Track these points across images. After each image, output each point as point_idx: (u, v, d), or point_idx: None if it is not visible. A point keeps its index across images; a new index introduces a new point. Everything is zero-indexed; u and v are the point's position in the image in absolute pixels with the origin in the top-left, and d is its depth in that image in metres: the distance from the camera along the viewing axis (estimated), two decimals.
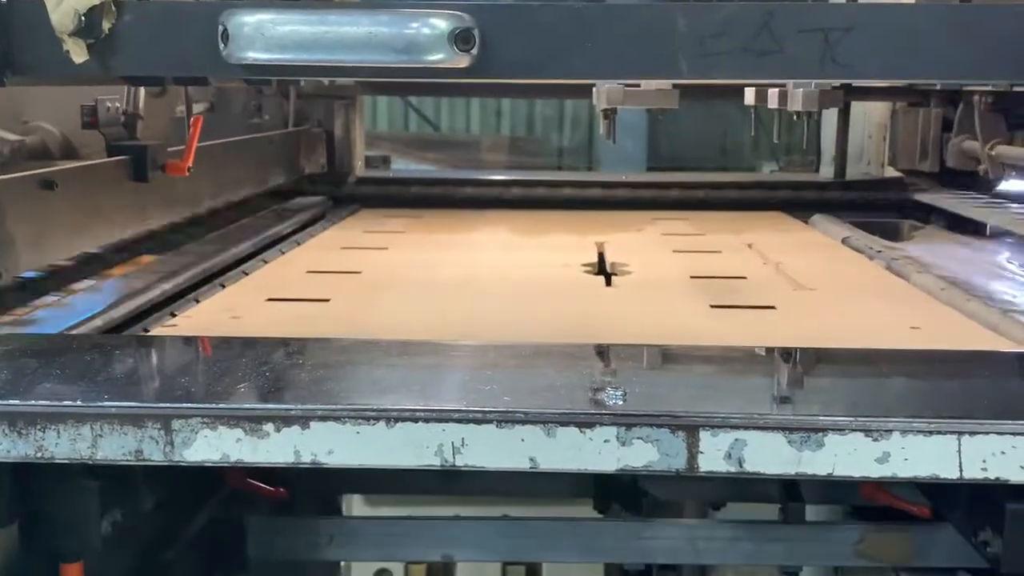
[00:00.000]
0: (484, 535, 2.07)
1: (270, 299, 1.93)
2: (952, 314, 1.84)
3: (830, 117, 3.55)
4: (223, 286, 2.05)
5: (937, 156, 3.29)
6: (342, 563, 3.69)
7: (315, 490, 2.38)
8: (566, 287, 2.11)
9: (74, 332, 1.55)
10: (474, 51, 1.28)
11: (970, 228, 3.00)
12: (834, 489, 2.07)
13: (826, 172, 3.74)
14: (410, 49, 1.26)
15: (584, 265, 2.32)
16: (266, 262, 2.34)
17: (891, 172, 3.53)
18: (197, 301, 1.90)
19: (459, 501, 3.60)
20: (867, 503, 2.00)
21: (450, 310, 1.90)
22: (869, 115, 3.71)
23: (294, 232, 2.76)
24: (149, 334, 1.65)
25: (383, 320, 1.83)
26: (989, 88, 2.81)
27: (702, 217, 3.16)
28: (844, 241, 2.70)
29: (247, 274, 2.19)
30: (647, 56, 1.33)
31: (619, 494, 2.19)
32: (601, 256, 2.44)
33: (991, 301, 1.93)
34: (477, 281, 2.18)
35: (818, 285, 2.10)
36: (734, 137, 6.46)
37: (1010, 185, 3.24)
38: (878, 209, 3.33)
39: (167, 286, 1.94)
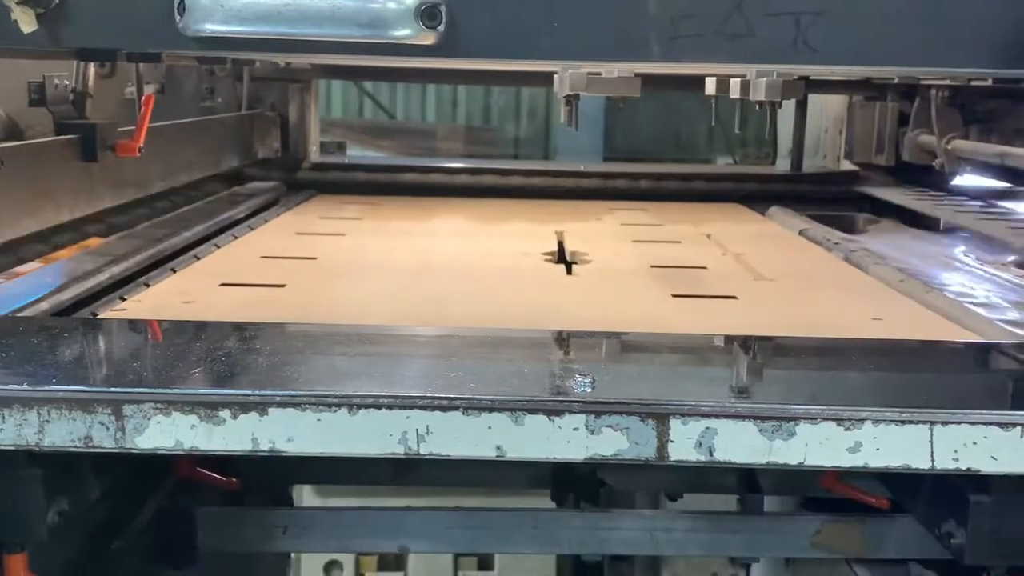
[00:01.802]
0: (439, 526, 2.04)
1: (224, 284, 1.88)
2: (912, 305, 1.84)
3: (787, 110, 3.56)
4: (174, 270, 1.99)
5: (893, 150, 3.31)
6: (292, 555, 3.64)
7: (266, 480, 2.33)
8: (526, 275, 2.09)
9: (19, 315, 1.49)
10: (440, 28, 1.24)
11: (924, 223, 3.03)
12: (792, 479, 2.06)
13: (782, 165, 3.75)
14: (375, 24, 1.21)
15: (544, 254, 2.30)
16: (218, 247, 2.28)
17: (847, 165, 3.55)
18: (147, 285, 1.85)
19: (413, 492, 3.57)
20: (824, 494, 2.00)
21: (410, 296, 1.86)
22: (826, 109, 3.73)
23: (247, 217, 2.71)
24: (98, 318, 1.60)
25: (340, 306, 1.79)
26: (946, 82, 2.83)
27: (660, 208, 3.15)
28: (801, 233, 2.70)
29: (199, 259, 2.13)
30: (617, 38, 1.30)
31: (577, 484, 2.17)
32: (561, 245, 2.41)
33: (949, 292, 1.93)
34: (437, 268, 2.14)
35: (778, 276, 2.10)
36: (690, 130, 6.46)
37: (965, 179, 3.28)
38: (834, 202, 3.35)
39: (116, 269, 1.88)
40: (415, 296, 1.87)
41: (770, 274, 2.10)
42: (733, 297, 1.87)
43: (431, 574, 4.21)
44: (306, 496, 4.15)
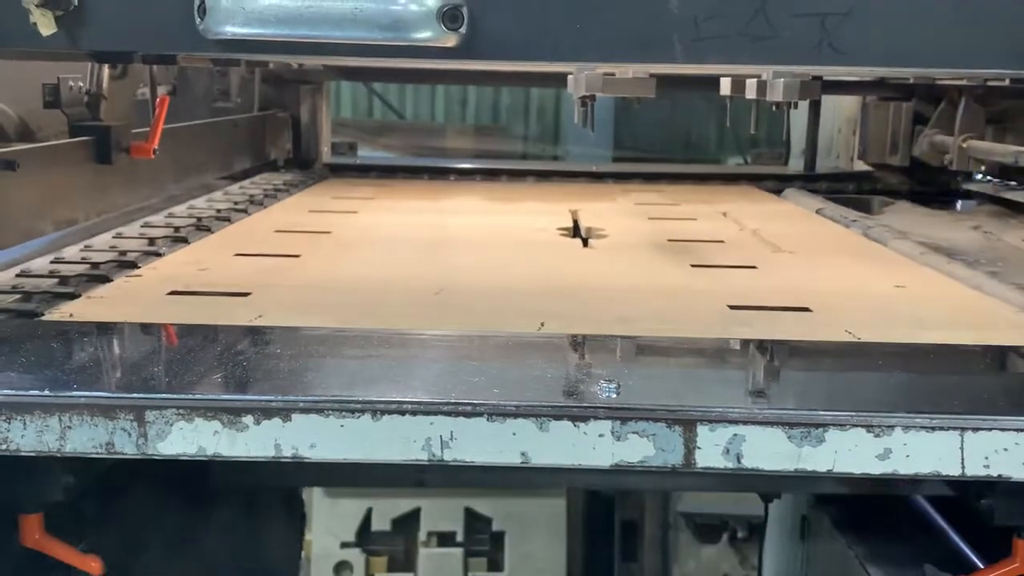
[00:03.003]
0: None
1: (238, 254, 1.87)
2: (934, 275, 1.83)
3: (800, 111, 3.54)
4: (187, 241, 1.99)
5: (907, 150, 3.29)
6: (303, 554, 3.64)
7: (279, 484, 2.33)
8: (543, 247, 2.07)
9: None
10: (462, 30, 1.23)
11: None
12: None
13: (795, 165, 3.73)
14: (396, 26, 1.20)
15: (559, 229, 2.29)
16: (231, 221, 2.28)
17: (860, 166, 3.53)
18: (160, 255, 1.85)
19: (422, 493, 3.55)
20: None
21: (425, 266, 1.84)
22: (839, 109, 3.71)
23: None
24: (112, 286, 1.59)
25: (355, 275, 1.77)
26: (963, 83, 2.81)
27: (675, 189, 3.14)
28: (818, 212, 2.69)
29: (211, 231, 2.13)
30: (639, 39, 1.29)
31: None
32: (576, 222, 2.40)
33: (971, 263, 1.91)
34: (451, 241, 2.13)
35: (797, 249, 2.08)
36: (699, 131, 6.44)
37: (978, 179, 3.25)
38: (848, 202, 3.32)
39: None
40: (430, 265, 1.85)
41: (789, 247, 2.09)
42: (753, 267, 1.85)
43: (441, 574, 4.21)
44: (316, 497, 4.16)
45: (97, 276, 1.65)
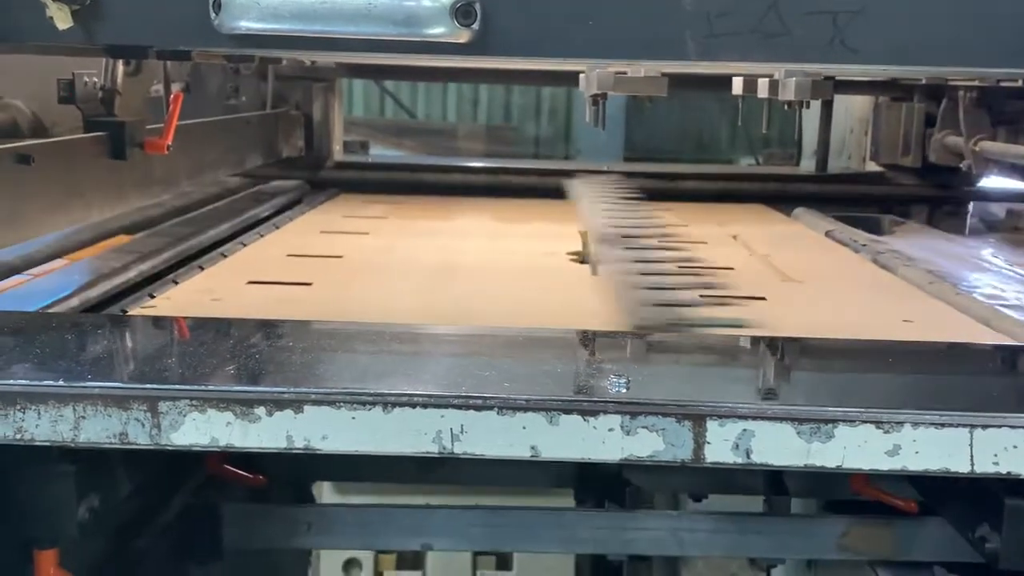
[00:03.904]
0: (461, 524, 2.03)
1: (251, 282, 1.88)
2: (943, 307, 1.82)
3: (812, 111, 3.54)
4: (201, 268, 2.00)
5: (919, 151, 3.29)
6: (313, 552, 3.64)
7: (290, 477, 2.34)
8: (551, 275, 2.08)
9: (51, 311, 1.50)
10: (475, 26, 1.24)
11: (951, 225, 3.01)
12: (820, 481, 2.05)
13: (807, 166, 3.73)
14: (410, 22, 1.21)
15: (569, 253, 2.29)
16: (244, 245, 2.29)
17: (872, 167, 3.53)
18: (176, 282, 1.85)
19: (434, 490, 3.57)
20: (850, 496, 1.99)
21: (436, 295, 1.86)
22: (851, 109, 3.71)
23: (272, 216, 2.71)
24: (128, 315, 1.60)
25: (367, 306, 1.79)
26: (975, 83, 2.81)
27: (685, 208, 3.14)
28: (828, 234, 2.69)
29: (226, 256, 2.14)
30: (652, 36, 1.29)
31: (602, 484, 2.16)
32: (585, 245, 2.40)
33: (980, 295, 1.92)
34: (462, 267, 2.14)
35: (806, 277, 2.08)
36: (711, 130, 6.44)
37: (992, 181, 3.25)
38: (861, 203, 3.33)
39: (144, 267, 1.89)
40: (441, 295, 1.87)
41: (797, 276, 2.09)
42: (761, 298, 1.86)
43: (449, 573, 4.21)
44: (326, 493, 4.16)
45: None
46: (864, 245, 2.46)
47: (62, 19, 1.26)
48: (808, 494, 2.26)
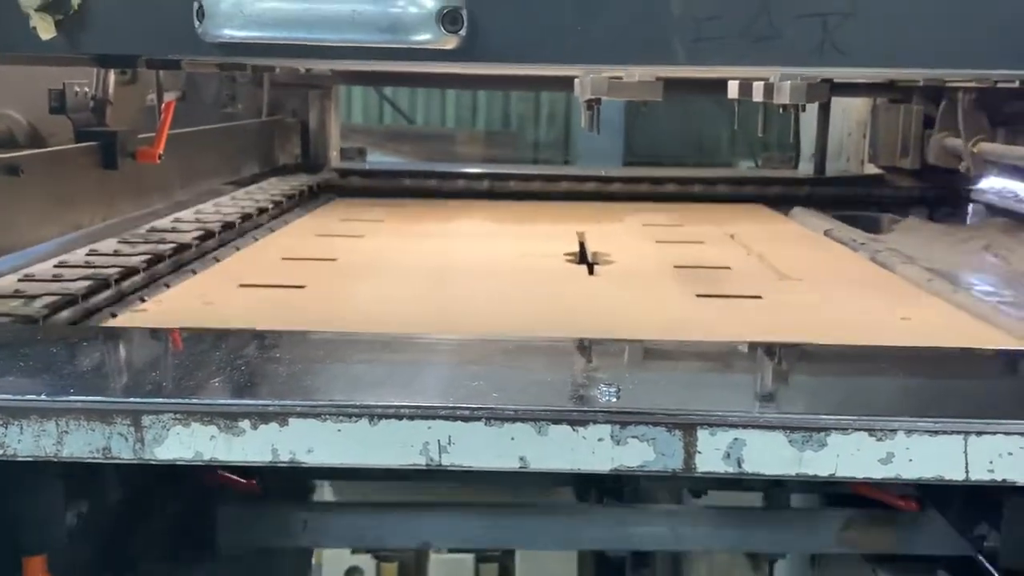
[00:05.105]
0: (461, 523, 2.02)
1: (243, 285, 1.87)
2: (941, 304, 1.81)
3: (809, 114, 3.53)
4: (194, 272, 1.99)
5: (918, 153, 3.27)
6: (313, 561, 3.63)
7: (287, 476, 2.32)
8: (548, 276, 2.07)
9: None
10: (462, 32, 1.23)
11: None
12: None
13: (805, 169, 3.71)
14: (395, 28, 1.20)
15: (566, 255, 2.28)
16: (238, 249, 2.27)
17: (871, 169, 3.51)
18: (167, 286, 1.84)
19: (435, 488, 3.54)
20: (849, 492, 1.98)
21: (430, 298, 1.84)
22: (848, 112, 3.69)
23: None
24: (117, 321, 1.58)
25: (359, 308, 1.77)
26: (972, 84, 2.79)
27: (682, 209, 3.12)
28: (826, 233, 2.67)
29: (218, 260, 2.13)
30: (640, 41, 1.28)
31: (600, 480, 2.14)
32: (582, 245, 2.39)
33: (978, 292, 1.90)
34: (457, 270, 2.12)
35: (803, 275, 2.07)
36: (710, 134, 6.43)
37: (991, 182, 3.23)
38: (859, 205, 3.31)
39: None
40: (435, 298, 1.85)
41: (795, 274, 2.08)
42: (758, 297, 1.84)
43: None
44: (327, 491, 4.13)
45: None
46: (862, 243, 2.44)
47: (45, 29, 1.25)
48: (808, 490, 2.25)
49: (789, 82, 2.11)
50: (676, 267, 2.14)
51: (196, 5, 1.21)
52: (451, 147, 6.41)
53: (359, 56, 1.25)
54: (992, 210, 3.19)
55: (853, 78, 2.94)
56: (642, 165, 5.33)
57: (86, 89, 2.09)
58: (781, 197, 3.30)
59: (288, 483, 2.44)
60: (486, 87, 5.40)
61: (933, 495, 1.75)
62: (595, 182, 3.43)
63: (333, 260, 2.17)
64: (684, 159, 6.09)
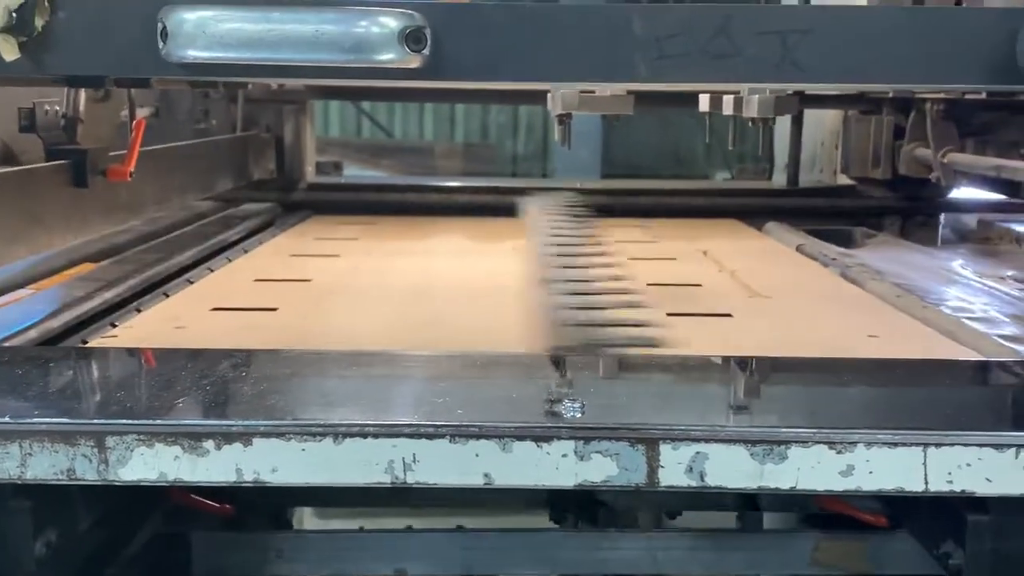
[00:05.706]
0: (437, 548, 2.02)
1: (216, 308, 1.87)
2: (909, 321, 1.83)
3: (783, 125, 3.55)
4: (167, 295, 1.98)
5: (889, 164, 3.29)
6: None
7: (263, 503, 2.32)
8: (523, 295, 2.07)
9: (6, 344, 1.48)
10: (426, 51, 1.24)
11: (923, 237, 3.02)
12: (789, 497, 2.05)
13: (779, 180, 3.74)
14: (359, 48, 1.21)
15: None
16: (212, 270, 2.27)
17: (844, 179, 3.54)
18: (139, 311, 1.84)
19: (412, 513, 3.54)
20: (821, 511, 1.99)
21: (404, 319, 1.85)
22: (823, 121, 3.72)
23: (241, 239, 2.70)
24: (88, 346, 1.58)
25: (333, 330, 1.77)
26: (941, 96, 2.82)
27: (656, 224, 3.14)
28: (798, 248, 2.69)
29: (192, 283, 2.12)
30: (602, 58, 1.29)
31: (575, 504, 2.16)
32: None
33: (947, 308, 1.92)
34: (432, 289, 2.13)
35: (773, 292, 2.09)
36: (687, 146, 6.46)
37: (961, 192, 3.27)
38: (832, 216, 3.33)
39: (108, 295, 1.87)
40: (409, 318, 1.85)
41: (765, 291, 2.09)
42: (728, 315, 1.86)
43: None
44: (305, 518, 4.13)
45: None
46: (833, 259, 2.46)
47: (9, 51, 1.25)
48: (780, 508, 2.26)
49: (757, 96, 2.13)
50: (648, 285, 2.15)
51: (160, 26, 1.22)
52: (430, 160, 6.42)
53: (325, 75, 1.26)
54: (964, 220, 3.23)
55: (821, 91, 2.97)
56: (620, 177, 5.36)
57: (57, 108, 2.09)
58: (755, 209, 3.32)
59: (265, 510, 2.44)
60: (462, 101, 5.42)
61: (903, 512, 1.77)
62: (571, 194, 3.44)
63: (307, 281, 2.17)
64: (661, 171, 6.13)
